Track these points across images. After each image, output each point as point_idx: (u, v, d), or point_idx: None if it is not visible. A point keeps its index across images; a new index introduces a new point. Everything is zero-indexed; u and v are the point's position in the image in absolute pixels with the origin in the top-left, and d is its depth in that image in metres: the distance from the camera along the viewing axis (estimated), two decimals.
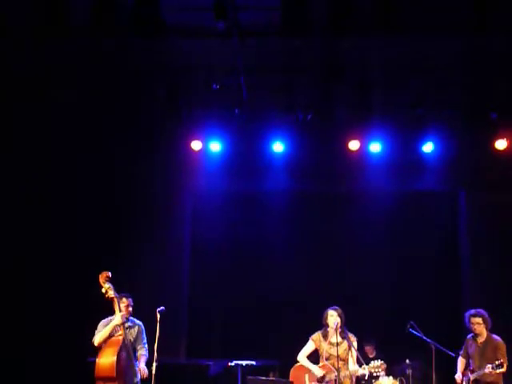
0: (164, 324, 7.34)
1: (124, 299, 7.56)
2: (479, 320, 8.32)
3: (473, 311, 8.41)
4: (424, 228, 10.84)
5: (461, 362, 8.51)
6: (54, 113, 9.78)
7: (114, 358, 7.00)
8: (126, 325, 7.52)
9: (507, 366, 8.11)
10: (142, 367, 7.45)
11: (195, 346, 10.52)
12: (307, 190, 10.98)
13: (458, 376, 8.41)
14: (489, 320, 8.35)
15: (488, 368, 7.97)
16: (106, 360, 7.01)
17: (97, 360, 7.10)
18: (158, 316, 7.35)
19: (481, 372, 8.10)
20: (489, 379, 8.12)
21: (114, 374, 6.97)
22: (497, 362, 7.93)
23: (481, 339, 8.37)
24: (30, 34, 8.77)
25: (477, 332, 8.36)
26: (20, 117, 9.73)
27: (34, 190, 10.02)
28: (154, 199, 10.69)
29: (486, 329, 8.36)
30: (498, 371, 7.97)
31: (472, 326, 8.36)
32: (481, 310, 8.39)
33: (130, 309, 7.62)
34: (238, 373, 9.25)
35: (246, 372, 9.03)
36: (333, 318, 7.78)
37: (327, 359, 7.78)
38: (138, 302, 7.77)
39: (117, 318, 7.33)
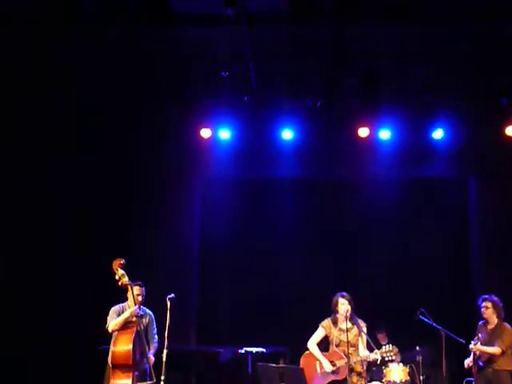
0: (174, 311, 7.37)
1: (137, 287, 7.57)
2: (488, 304, 8.35)
3: (486, 296, 8.47)
4: (434, 215, 10.82)
5: None
6: (61, 101, 9.79)
7: (130, 346, 7.05)
8: (139, 313, 7.55)
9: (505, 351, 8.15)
10: (149, 357, 7.49)
11: (205, 333, 10.57)
12: (316, 177, 10.98)
13: (467, 362, 8.43)
14: (500, 308, 8.35)
15: (471, 343, 8.09)
16: (123, 348, 7.06)
17: (113, 348, 7.16)
18: (169, 303, 7.37)
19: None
20: (484, 359, 8.19)
21: (131, 362, 7.03)
22: (476, 338, 8.08)
23: (491, 326, 8.38)
24: (37, 23, 8.77)
25: (485, 316, 8.39)
26: (20, 116, 9.76)
27: (40, 181, 10.05)
28: (163, 187, 10.71)
29: (497, 316, 8.36)
30: (486, 349, 8.07)
31: (481, 309, 8.41)
32: (494, 297, 8.42)
33: (141, 298, 7.63)
34: (248, 360, 9.29)
35: (256, 359, 9.06)
36: (344, 305, 7.77)
37: (337, 346, 7.78)
38: (148, 290, 7.79)
39: (132, 308, 7.37)
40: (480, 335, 8.43)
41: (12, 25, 8.69)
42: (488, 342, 8.25)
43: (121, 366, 7.07)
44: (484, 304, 8.39)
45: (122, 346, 7.08)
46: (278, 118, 10.42)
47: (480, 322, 8.56)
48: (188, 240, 10.88)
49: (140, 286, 7.65)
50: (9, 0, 8.38)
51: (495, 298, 8.39)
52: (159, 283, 8.63)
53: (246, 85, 9.85)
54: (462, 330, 8.66)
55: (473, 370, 8.30)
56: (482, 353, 8.20)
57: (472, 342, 8.23)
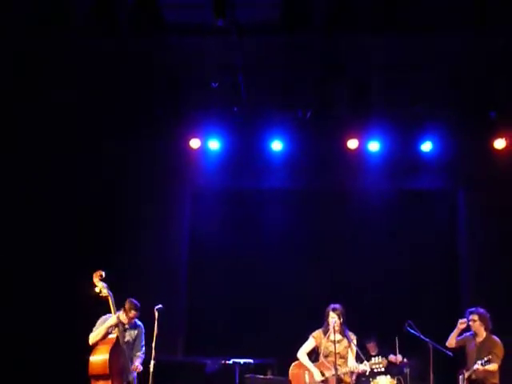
0: (162, 322, 7.35)
1: (133, 312, 7.52)
2: (475, 317, 8.32)
3: (472, 308, 8.43)
4: (422, 227, 10.83)
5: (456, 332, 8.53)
6: (53, 112, 9.76)
7: (107, 355, 7.01)
8: (126, 326, 7.53)
9: (502, 366, 8.11)
10: (136, 364, 7.47)
11: (193, 343, 10.53)
12: (305, 189, 10.98)
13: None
14: (487, 320, 8.32)
15: (477, 364, 7.97)
16: (99, 358, 7.02)
17: (90, 358, 7.10)
18: (156, 314, 7.37)
19: (471, 370, 8.10)
20: (481, 376, 8.11)
21: (107, 371, 6.97)
22: (485, 359, 7.93)
23: (479, 338, 8.35)
24: (29, 32, 8.76)
25: (473, 329, 8.37)
26: (20, 116, 9.73)
27: (31, 187, 10.00)
28: (152, 197, 10.68)
29: (485, 329, 8.33)
30: (486, 367, 7.96)
31: (469, 322, 8.38)
32: (480, 309, 8.38)
33: (133, 321, 7.61)
34: (236, 371, 9.24)
35: (244, 370, 9.03)
36: (333, 319, 7.78)
37: (326, 356, 7.78)
38: (136, 299, 7.76)
39: (112, 319, 7.32)
40: (468, 347, 8.43)
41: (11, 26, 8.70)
42: (477, 355, 8.21)
43: (97, 377, 7.02)
44: (471, 317, 8.35)
45: (99, 355, 7.05)
46: (268, 129, 10.43)
47: (468, 334, 8.54)
48: (177, 250, 10.85)
49: (136, 310, 7.56)
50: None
51: (481, 310, 8.37)
52: (147, 293, 8.58)
53: (235, 95, 9.87)
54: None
55: None
56: (476, 372, 8.12)
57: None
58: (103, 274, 7.31)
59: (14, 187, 9.89)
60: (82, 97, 9.67)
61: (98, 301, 7.55)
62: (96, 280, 7.28)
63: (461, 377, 8.31)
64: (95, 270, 7.36)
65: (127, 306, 7.49)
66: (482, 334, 8.34)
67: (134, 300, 7.58)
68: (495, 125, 10.03)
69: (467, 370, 8.25)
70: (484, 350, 8.21)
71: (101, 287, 7.26)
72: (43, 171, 10.08)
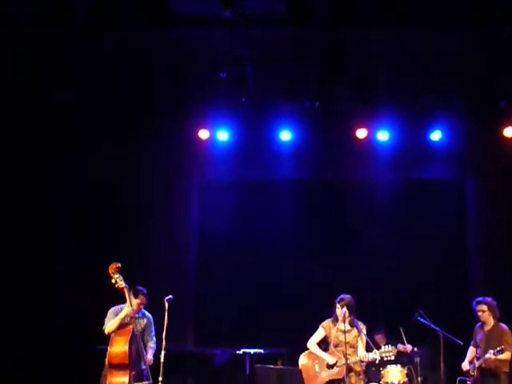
0: (172, 312, 7.39)
1: (141, 296, 7.63)
2: (484, 307, 8.32)
3: (480, 298, 8.43)
4: (432, 217, 10.80)
5: (471, 351, 8.53)
6: (57, 106, 9.79)
7: (126, 346, 7.19)
8: (136, 315, 7.60)
9: None
10: (149, 358, 7.58)
11: (203, 334, 10.54)
12: (314, 179, 10.98)
13: (465, 365, 8.43)
14: (495, 308, 8.33)
15: (489, 353, 7.96)
16: (119, 349, 7.20)
17: (109, 349, 7.27)
18: (167, 305, 7.40)
19: (483, 359, 8.10)
20: (493, 366, 8.11)
21: (127, 361, 7.17)
22: (498, 348, 7.93)
23: (487, 327, 8.36)
24: (29, 32, 8.76)
25: (482, 319, 8.37)
26: (20, 116, 9.76)
27: (37, 183, 10.06)
28: (161, 189, 10.70)
29: (493, 317, 8.34)
30: (498, 357, 7.95)
31: (477, 313, 8.38)
32: (487, 298, 8.38)
33: (142, 306, 7.71)
34: (246, 361, 9.28)
35: (254, 360, 9.07)
36: (339, 310, 7.81)
37: (336, 346, 7.79)
38: (146, 291, 7.81)
39: (126, 309, 7.42)
40: (477, 337, 8.44)
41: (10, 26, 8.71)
42: (487, 344, 8.22)
43: (117, 366, 7.19)
44: (479, 307, 8.35)
45: (119, 346, 7.23)
46: (276, 120, 10.42)
47: (477, 325, 8.55)
48: (186, 242, 10.87)
49: (143, 295, 7.68)
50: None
51: (489, 300, 8.37)
52: (157, 285, 8.59)
53: (243, 86, 9.86)
54: (460, 332, 8.67)
55: (472, 373, 8.27)
56: (488, 362, 8.10)
57: (465, 365, 8.33)
58: (119, 265, 7.40)
59: (16, 185, 9.96)
60: (85, 92, 9.68)
61: (108, 293, 7.64)
62: (112, 272, 7.38)
63: (471, 366, 8.32)
64: (109, 262, 7.44)
65: (134, 292, 7.58)
66: (491, 322, 8.35)
67: (139, 287, 7.68)
68: (505, 114, 9.99)
69: (477, 359, 8.26)
70: (493, 338, 8.22)
71: (117, 278, 7.36)
72: (45, 171, 10.12)
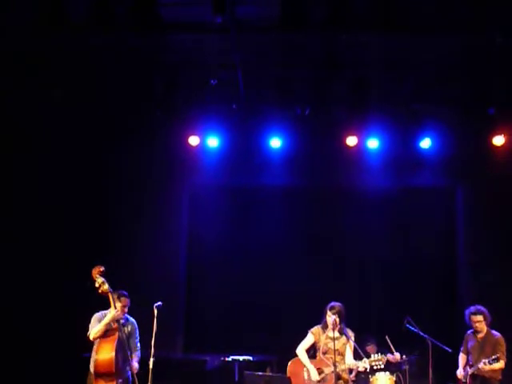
0: (161, 319, 7.36)
1: (123, 299, 7.58)
2: (480, 318, 8.29)
3: (473, 309, 8.37)
4: (421, 224, 10.84)
5: (462, 358, 8.52)
6: (50, 111, 9.75)
7: (113, 354, 7.04)
8: (121, 321, 7.54)
9: (507, 362, 8.12)
10: (135, 365, 7.51)
11: (192, 341, 10.54)
12: (304, 186, 10.99)
13: (460, 372, 8.43)
14: (489, 316, 8.33)
15: (484, 363, 7.97)
16: (105, 356, 7.05)
17: (95, 356, 7.14)
18: (156, 311, 7.37)
19: (476, 367, 8.10)
20: (486, 374, 8.11)
21: (114, 370, 7.02)
22: (493, 357, 7.93)
23: (480, 335, 8.36)
24: (27, 31, 8.74)
25: (478, 329, 8.33)
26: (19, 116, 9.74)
27: (26, 186, 10.01)
28: (151, 195, 10.69)
29: (487, 325, 8.33)
30: (493, 366, 7.97)
31: (473, 323, 8.33)
32: (480, 307, 8.35)
33: (126, 309, 7.66)
34: (235, 368, 9.27)
35: (243, 367, 9.05)
36: (330, 318, 7.80)
37: (325, 353, 7.79)
38: (134, 298, 7.80)
39: (112, 314, 7.33)
40: (468, 344, 8.43)
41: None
42: (481, 351, 8.22)
43: (104, 375, 7.05)
44: (475, 319, 8.29)
45: (105, 353, 7.07)
46: (267, 126, 10.42)
47: (468, 331, 8.54)
48: (175, 247, 10.86)
49: (126, 297, 7.64)
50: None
51: (483, 309, 8.35)
52: (146, 291, 8.61)
53: (234, 92, 9.86)
54: (448, 339, 8.69)
55: (464, 381, 8.26)
56: (482, 370, 8.09)
57: (460, 372, 8.32)
58: (102, 269, 7.28)
59: (12, 185, 9.92)
60: (77, 94, 9.65)
61: (92, 299, 7.59)
62: (96, 275, 7.26)
63: (464, 373, 8.30)
64: (93, 266, 7.35)
65: (116, 296, 7.47)
66: (484, 330, 8.34)
67: (121, 290, 7.60)
68: (494, 121, 10.02)
69: (470, 367, 8.25)
70: (486, 345, 8.23)
71: (100, 282, 7.24)
72: (43, 169, 10.08)
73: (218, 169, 10.68)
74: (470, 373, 8.21)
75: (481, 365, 7.99)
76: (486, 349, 8.20)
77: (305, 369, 7.85)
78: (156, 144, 10.57)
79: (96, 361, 7.09)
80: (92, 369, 7.34)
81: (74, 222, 10.17)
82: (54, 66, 9.27)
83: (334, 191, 10.98)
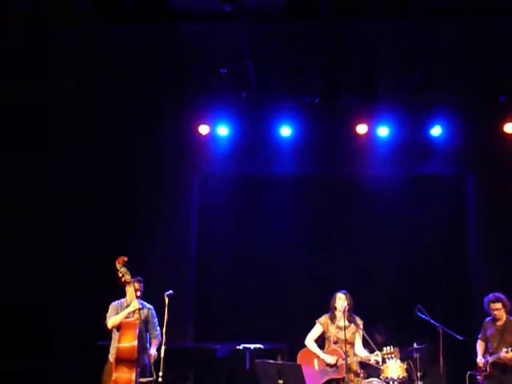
0: (172, 308, 7.39)
1: (136, 284, 7.64)
2: (499, 305, 8.19)
3: (492, 296, 8.27)
4: (432, 212, 10.80)
5: (480, 346, 8.43)
6: (62, 100, 9.79)
7: (135, 342, 7.17)
8: (141, 308, 7.60)
9: None
10: (152, 352, 7.56)
11: (203, 329, 10.57)
12: (314, 174, 10.98)
13: (480, 359, 8.31)
14: (508, 304, 8.22)
15: (505, 351, 7.92)
16: (128, 344, 7.17)
17: (118, 344, 7.23)
18: (167, 300, 7.41)
19: (497, 355, 8.05)
20: (509, 362, 8.01)
21: (135, 357, 7.14)
22: None
23: (500, 322, 8.25)
24: (32, 20, 8.74)
25: (497, 317, 8.23)
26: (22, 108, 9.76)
27: (40, 177, 10.07)
28: (161, 184, 10.70)
29: (506, 312, 8.23)
30: None
31: (492, 311, 8.24)
32: (499, 295, 8.24)
33: (139, 294, 7.71)
34: (246, 356, 9.29)
35: (254, 355, 9.06)
36: (341, 301, 7.81)
37: (335, 343, 7.80)
38: (146, 286, 7.84)
39: (133, 305, 7.43)
40: (487, 332, 8.35)
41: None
42: (500, 338, 8.15)
43: (125, 361, 7.16)
44: (494, 306, 8.19)
45: (128, 342, 7.19)
46: (276, 115, 10.41)
47: (486, 319, 8.43)
48: (186, 236, 10.88)
49: (139, 282, 7.71)
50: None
51: (501, 296, 8.23)
52: (157, 280, 8.62)
53: (244, 81, 9.85)
54: (460, 327, 8.68)
55: (485, 369, 8.24)
56: (502, 358, 8.01)
57: (481, 359, 8.22)
58: (126, 259, 7.43)
59: (24, 173, 10.00)
60: (88, 82, 9.67)
61: (108, 288, 7.66)
62: (119, 265, 7.40)
63: (484, 360, 8.26)
64: (109, 258, 7.44)
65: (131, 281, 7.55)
66: (503, 318, 8.25)
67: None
68: (505, 109, 9.97)
69: (490, 355, 8.20)
70: (506, 333, 8.14)
71: (123, 272, 7.40)
72: (54, 162, 10.15)
73: (228, 158, 10.68)
74: (490, 361, 8.14)
75: (502, 354, 7.93)
76: (505, 337, 8.11)
77: (315, 359, 7.87)
78: (166, 133, 10.56)
79: (118, 348, 7.19)
80: (112, 357, 7.41)
81: (87, 211, 10.20)
82: (63, 57, 9.28)
83: (343, 179, 10.97)
